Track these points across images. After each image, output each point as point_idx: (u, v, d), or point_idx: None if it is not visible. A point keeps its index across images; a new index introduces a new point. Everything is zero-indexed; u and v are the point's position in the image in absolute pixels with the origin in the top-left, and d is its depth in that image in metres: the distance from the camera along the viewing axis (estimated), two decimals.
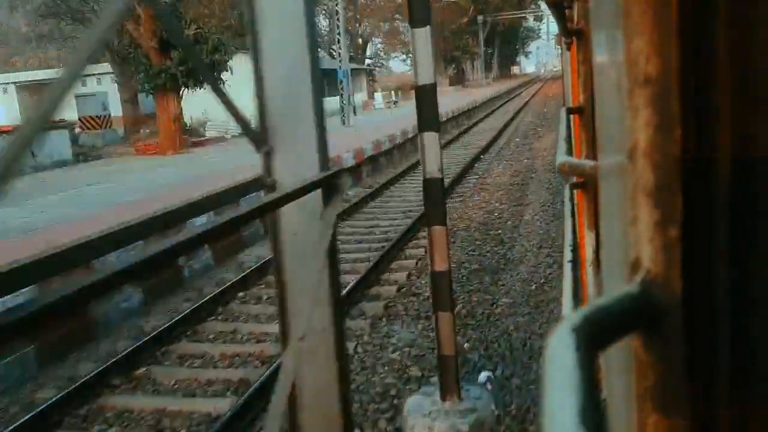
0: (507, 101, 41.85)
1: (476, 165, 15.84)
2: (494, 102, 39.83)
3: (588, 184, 1.77)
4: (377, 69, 63.75)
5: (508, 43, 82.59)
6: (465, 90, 54.82)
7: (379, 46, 66.60)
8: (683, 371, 0.34)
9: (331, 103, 35.38)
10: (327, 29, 59.09)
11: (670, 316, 0.34)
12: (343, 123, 24.76)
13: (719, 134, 0.33)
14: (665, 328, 0.34)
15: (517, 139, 20.66)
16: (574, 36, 1.87)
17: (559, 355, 0.31)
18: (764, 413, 0.34)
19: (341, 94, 29.14)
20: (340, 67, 24.16)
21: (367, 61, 60.59)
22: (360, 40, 58.49)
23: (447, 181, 8.32)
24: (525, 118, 28.13)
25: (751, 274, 0.33)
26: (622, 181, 0.41)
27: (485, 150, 18.25)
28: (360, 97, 41.65)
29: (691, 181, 0.33)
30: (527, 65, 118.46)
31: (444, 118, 24.01)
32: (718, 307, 0.34)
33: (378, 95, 41.09)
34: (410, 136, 18.69)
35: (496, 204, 11.23)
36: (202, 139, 23.56)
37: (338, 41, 24.64)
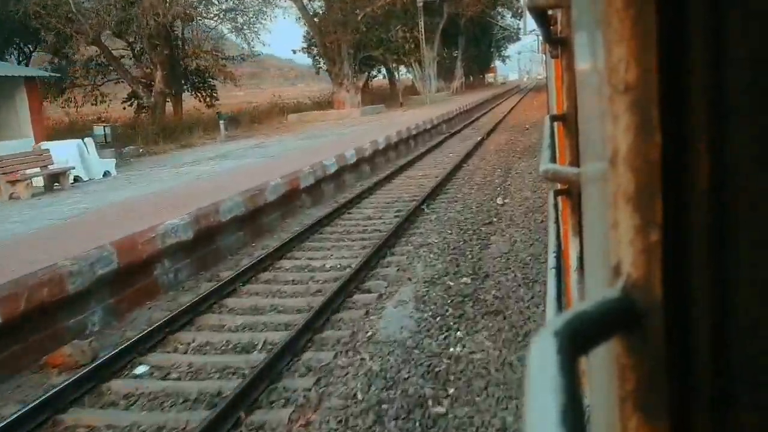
0: (425, 153, 17.75)
1: None
2: (384, 160, 16.26)
3: (572, 191, 1.78)
4: (213, 78, 31.31)
5: (479, 44, 61.38)
6: (382, 115, 29.31)
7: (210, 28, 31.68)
8: (664, 374, 0.34)
9: None
10: None
11: (651, 320, 0.34)
12: None
13: (698, 139, 0.33)
14: (646, 332, 0.35)
15: None
16: (558, 43, 1.89)
17: (541, 359, 0.31)
18: (744, 415, 0.34)
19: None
20: None
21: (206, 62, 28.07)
22: (155, 21, 24.54)
23: None
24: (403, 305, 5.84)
25: (730, 278, 0.34)
26: (604, 186, 0.41)
27: None
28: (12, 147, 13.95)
29: (670, 185, 0.34)
30: (507, 71, 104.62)
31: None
32: (697, 311, 0.34)
33: (46, 146, 13.93)
34: None
35: None
36: None
37: None
